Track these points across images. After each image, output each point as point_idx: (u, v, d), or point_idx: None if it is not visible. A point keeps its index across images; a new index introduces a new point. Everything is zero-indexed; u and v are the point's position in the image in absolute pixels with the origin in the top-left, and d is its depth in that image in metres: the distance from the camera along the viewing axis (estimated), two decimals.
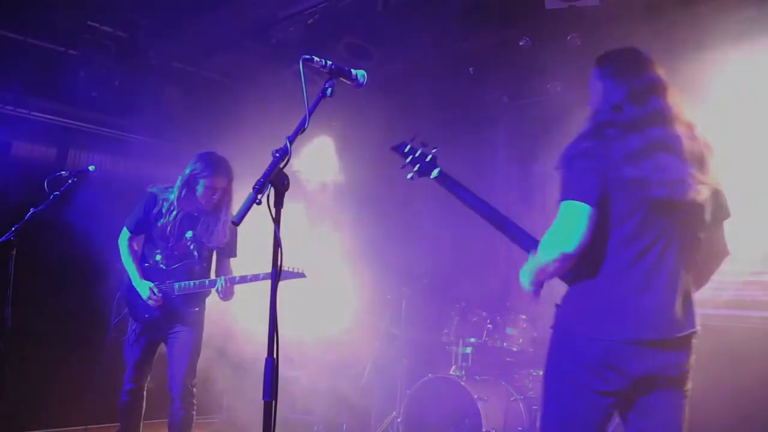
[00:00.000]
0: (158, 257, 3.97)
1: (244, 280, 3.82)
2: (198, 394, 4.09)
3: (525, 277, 2.40)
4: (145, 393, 4.04)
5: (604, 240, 2.21)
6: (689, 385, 2.30)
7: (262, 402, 1.96)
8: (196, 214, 3.94)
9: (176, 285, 3.90)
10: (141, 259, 4.03)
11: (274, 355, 1.95)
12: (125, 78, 5.24)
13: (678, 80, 2.44)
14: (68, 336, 5.43)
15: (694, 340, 2.28)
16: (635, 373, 2.20)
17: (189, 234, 3.94)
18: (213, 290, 3.93)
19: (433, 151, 2.92)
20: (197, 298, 3.98)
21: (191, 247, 3.95)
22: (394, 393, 5.22)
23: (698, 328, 2.28)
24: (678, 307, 2.22)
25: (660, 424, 2.29)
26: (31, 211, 3.89)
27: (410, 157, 2.95)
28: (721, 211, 2.35)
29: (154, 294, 3.85)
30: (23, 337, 4.80)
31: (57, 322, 5.40)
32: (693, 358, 2.29)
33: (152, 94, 5.54)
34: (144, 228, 3.99)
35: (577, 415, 2.27)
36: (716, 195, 2.31)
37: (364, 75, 2.29)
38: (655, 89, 2.31)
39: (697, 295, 2.34)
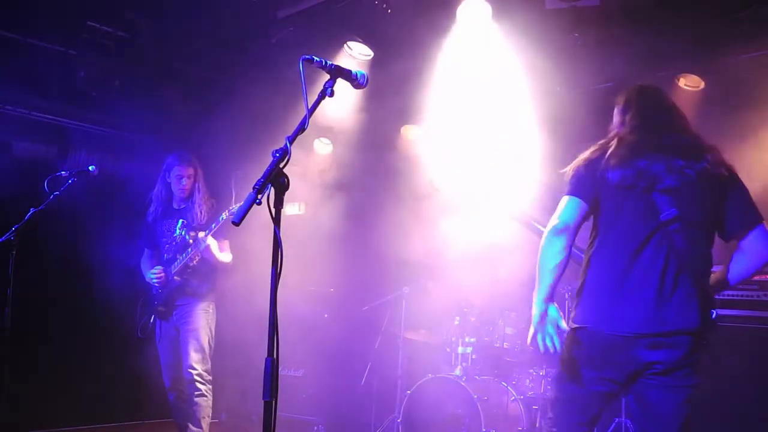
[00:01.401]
0: (166, 256, 4.37)
1: (210, 229, 4.11)
2: None
3: None
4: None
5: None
6: (689, 381, 2.47)
7: (262, 402, 1.96)
8: (182, 207, 4.38)
9: (171, 267, 4.28)
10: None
11: (274, 355, 1.96)
12: (125, 78, 5.23)
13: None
14: (68, 336, 5.43)
15: (692, 337, 2.42)
16: (627, 365, 2.45)
17: (180, 222, 4.32)
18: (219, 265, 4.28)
19: None
20: (196, 273, 4.27)
21: (183, 233, 4.28)
22: (394, 393, 5.22)
23: (695, 326, 2.41)
24: (668, 304, 2.41)
25: (651, 418, 2.51)
26: (31, 211, 3.89)
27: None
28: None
29: (157, 270, 4.26)
30: (23, 337, 4.80)
31: (57, 322, 5.41)
32: (692, 354, 2.44)
33: (152, 94, 5.54)
34: (152, 236, 4.42)
35: (575, 401, 2.56)
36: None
37: (365, 75, 2.29)
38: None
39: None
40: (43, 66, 5.09)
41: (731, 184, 2.52)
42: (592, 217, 2.63)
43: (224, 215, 4.03)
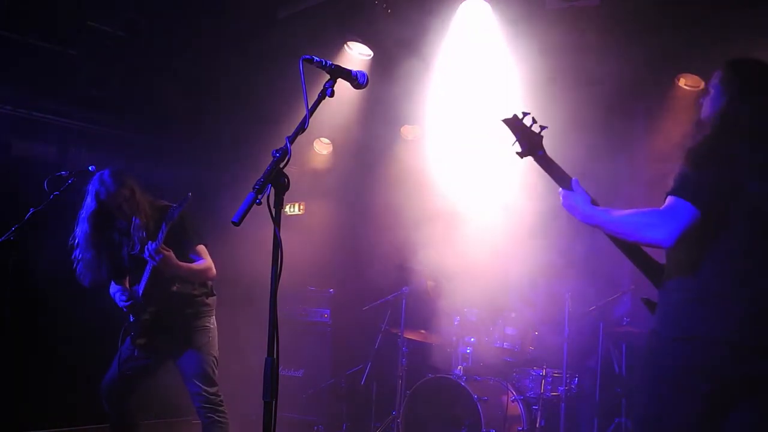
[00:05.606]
0: (131, 282, 3.85)
1: (162, 233, 3.48)
2: None
3: (583, 212, 2.39)
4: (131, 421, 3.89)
5: (717, 246, 2.16)
6: None
7: (262, 402, 1.96)
8: (129, 224, 3.79)
9: (137, 289, 3.73)
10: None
11: (275, 355, 1.96)
12: (125, 78, 5.24)
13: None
14: (68, 336, 5.43)
15: None
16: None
17: (136, 237, 3.75)
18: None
19: (544, 130, 2.67)
20: (174, 280, 3.69)
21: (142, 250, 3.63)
22: (394, 393, 5.22)
23: None
24: None
25: None
26: (31, 211, 3.88)
27: (521, 132, 2.66)
28: None
29: (126, 291, 3.75)
30: (22, 337, 4.80)
31: (57, 322, 5.40)
32: None
33: (152, 94, 5.54)
34: (115, 264, 3.88)
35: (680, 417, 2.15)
36: None
37: (365, 75, 2.29)
38: None
39: None
40: (43, 66, 5.09)
41: None
42: None
43: (170, 210, 3.47)
